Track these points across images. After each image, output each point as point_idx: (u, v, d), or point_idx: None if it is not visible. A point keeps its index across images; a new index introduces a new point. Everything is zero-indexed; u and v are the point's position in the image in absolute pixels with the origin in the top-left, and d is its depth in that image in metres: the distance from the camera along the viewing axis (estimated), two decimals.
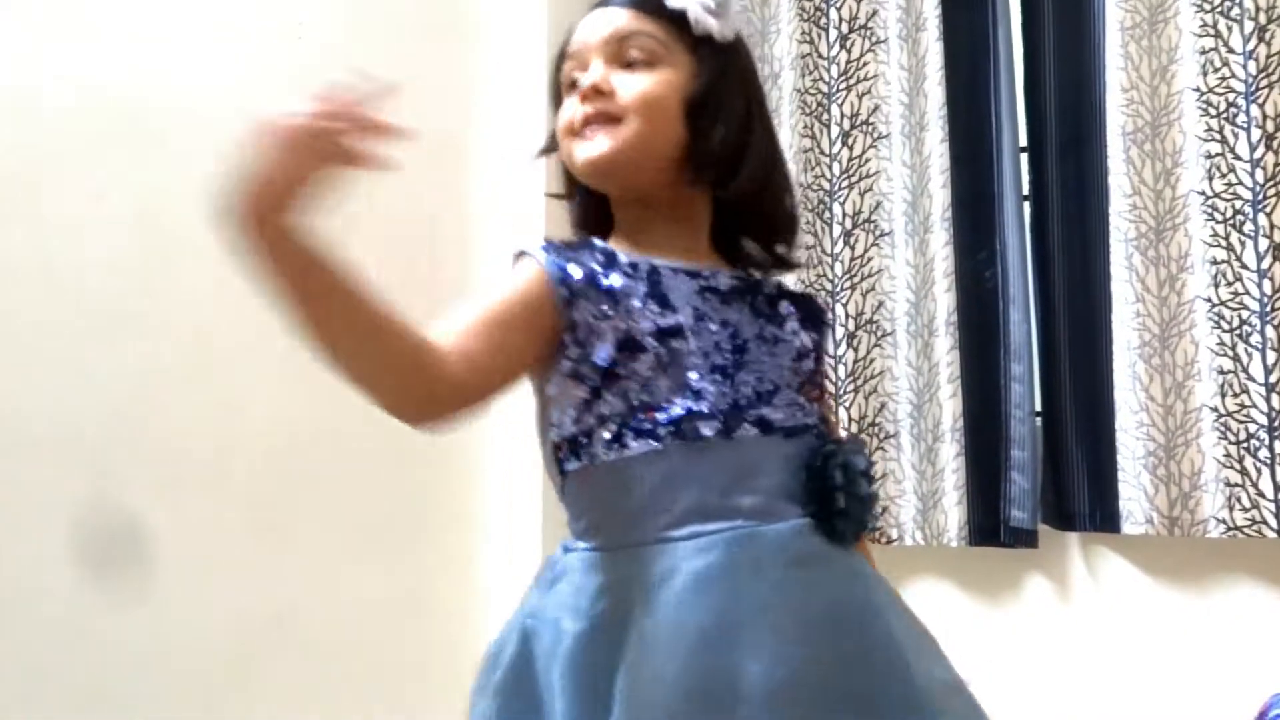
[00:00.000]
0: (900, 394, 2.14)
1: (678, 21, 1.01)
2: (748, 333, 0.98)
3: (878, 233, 2.20)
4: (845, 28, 2.26)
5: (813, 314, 1.06)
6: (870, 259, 2.19)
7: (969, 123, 2.16)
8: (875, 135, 2.22)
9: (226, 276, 1.60)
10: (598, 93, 0.98)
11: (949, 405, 2.07)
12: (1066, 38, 2.10)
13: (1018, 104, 2.17)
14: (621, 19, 1.01)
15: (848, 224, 2.20)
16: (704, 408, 0.92)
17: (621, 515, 0.92)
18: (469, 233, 2.15)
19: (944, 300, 2.09)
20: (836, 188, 2.22)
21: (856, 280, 2.19)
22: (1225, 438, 1.87)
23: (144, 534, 1.46)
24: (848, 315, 2.18)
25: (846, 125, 2.23)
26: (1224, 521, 1.85)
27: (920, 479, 2.10)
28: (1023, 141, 2.16)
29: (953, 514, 2.04)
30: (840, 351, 2.18)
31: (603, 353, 0.92)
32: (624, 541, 0.91)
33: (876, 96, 2.23)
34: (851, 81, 2.24)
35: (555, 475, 0.99)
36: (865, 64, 2.24)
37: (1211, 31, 1.94)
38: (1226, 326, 1.89)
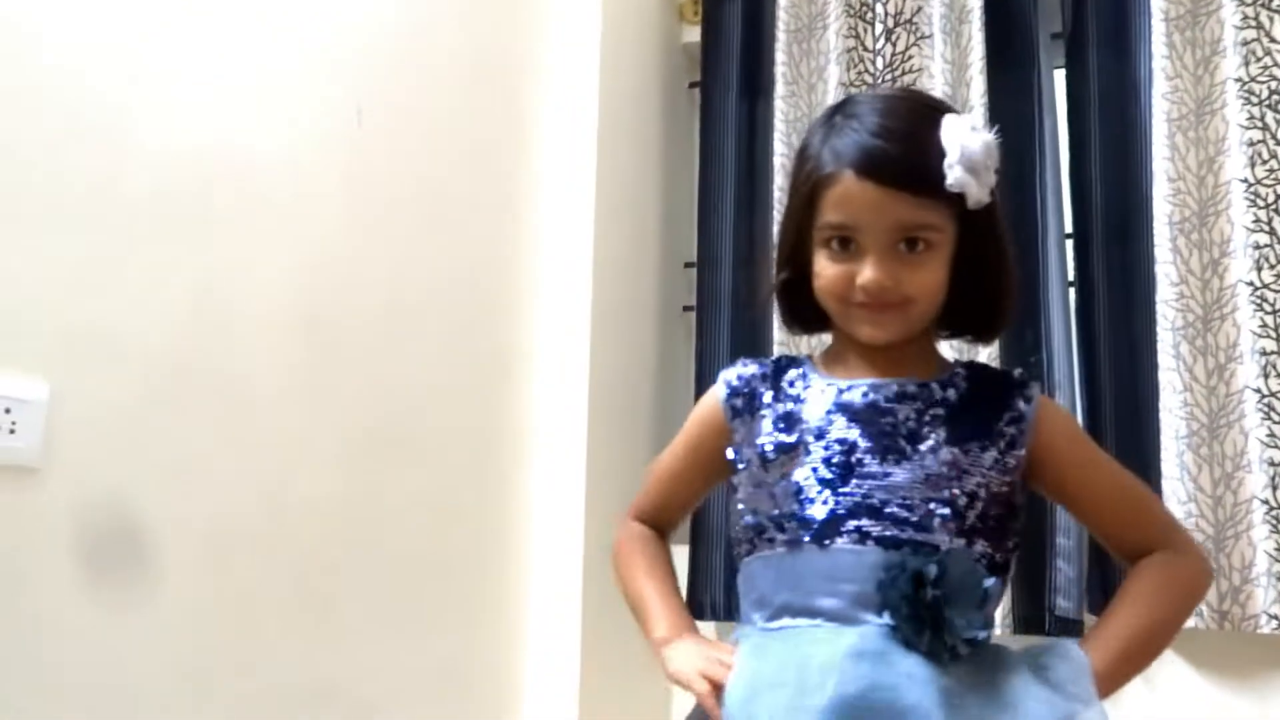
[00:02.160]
0: None
1: (949, 194, 1.02)
2: (866, 449, 1.04)
3: None
4: None
5: (992, 408, 1.07)
6: None
7: (1015, 209, 2.16)
8: None
9: (281, 353, 1.65)
10: (883, 289, 1.02)
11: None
12: (1112, 127, 2.12)
13: (1063, 191, 2.18)
14: (907, 211, 1.01)
15: None
16: (806, 517, 1.03)
17: (746, 608, 1.09)
18: (513, 304, 2.18)
19: None
20: None
21: None
22: (1277, 531, 1.84)
23: (192, 601, 1.48)
24: None
25: None
26: (1276, 617, 1.81)
27: None
28: (1068, 229, 2.17)
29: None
30: None
31: (740, 464, 1.11)
32: (747, 627, 1.08)
33: None
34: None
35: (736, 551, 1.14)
36: None
37: (1259, 124, 1.95)
38: (1277, 417, 1.87)
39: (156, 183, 1.48)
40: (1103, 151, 2.13)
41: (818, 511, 1.02)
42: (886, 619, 0.97)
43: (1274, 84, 1.96)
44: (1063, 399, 2.07)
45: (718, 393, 1.15)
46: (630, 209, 2.37)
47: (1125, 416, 2.03)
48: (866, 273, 1.01)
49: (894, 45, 2.30)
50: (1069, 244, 2.16)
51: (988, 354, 2.08)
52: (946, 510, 1.01)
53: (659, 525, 1.24)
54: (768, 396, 1.10)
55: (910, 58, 2.29)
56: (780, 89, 2.36)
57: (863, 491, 1.02)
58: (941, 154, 1.01)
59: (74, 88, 1.39)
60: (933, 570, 0.96)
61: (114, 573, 1.39)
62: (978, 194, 1.02)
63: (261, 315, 1.63)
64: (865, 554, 1.00)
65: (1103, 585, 2.01)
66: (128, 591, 1.41)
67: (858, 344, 1.09)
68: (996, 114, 2.18)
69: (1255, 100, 1.96)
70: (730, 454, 1.12)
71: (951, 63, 2.23)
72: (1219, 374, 1.95)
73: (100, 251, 1.41)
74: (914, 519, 1.01)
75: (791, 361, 1.14)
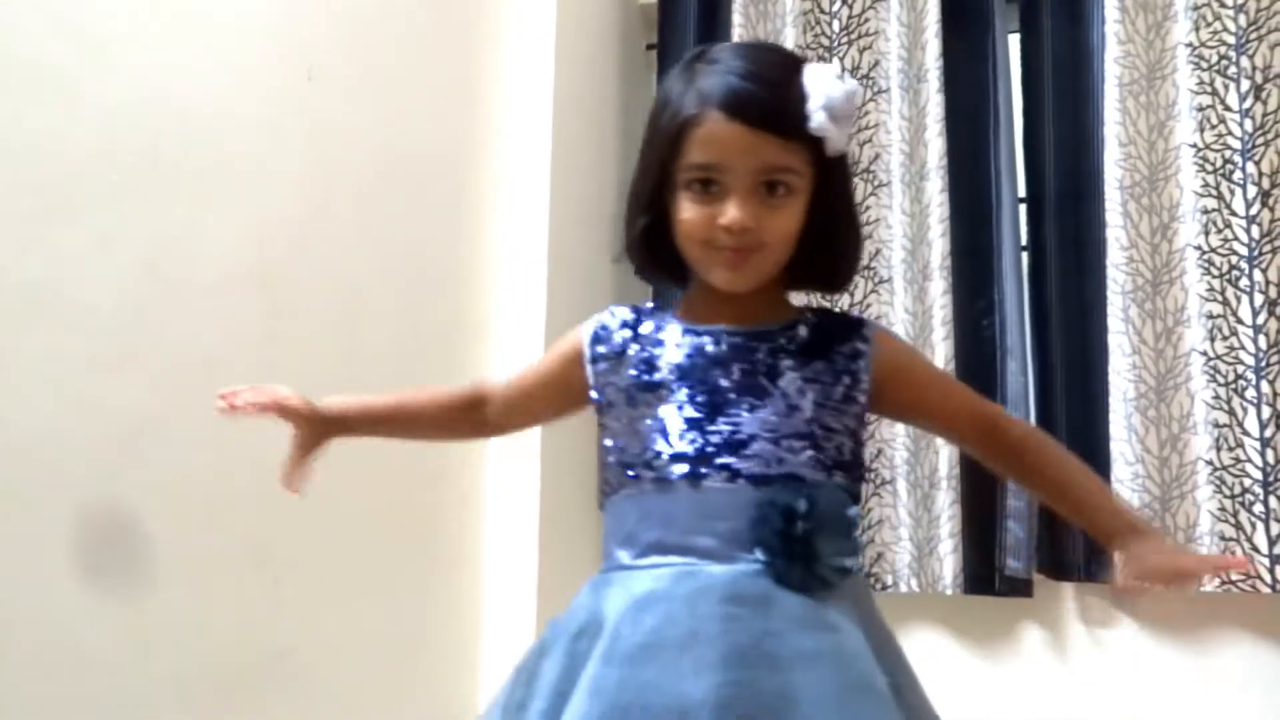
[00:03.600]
0: (897, 440, 2.15)
1: (811, 141, 1.04)
2: (729, 389, 1.06)
3: (877, 280, 2.21)
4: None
5: (836, 348, 1.10)
6: (869, 305, 2.21)
7: (969, 174, 2.18)
8: (876, 183, 2.25)
9: (234, 314, 1.63)
10: (745, 230, 1.03)
11: (945, 453, 2.08)
12: (1065, 92, 2.14)
13: (1017, 157, 2.19)
14: (771, 153, 1.03)
15: None
16: (676, 455, 1.04)
17: (612, 545, 1.08)
18: (470, 268, 2.17)
19: (941, 348, 2.10)
20: None
21: None
22: (1220, 491, 1.88)
23: (145, 566, 1.47)
24: None
25: None
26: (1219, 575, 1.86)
27: (916, 526, 2.11)
28: (1022, 193, 2.19)
29: (948, 562, 2.05)
30: None
31: (604, 404, 1.12)
32: (609, 566, 1.08)
33: (877, 145, 2.26)
34: (853, 130, 2.27)
35: (601, 488, 1.14)
36: (867, 113, 2.27)
37: (1209, 89, 1.97)
38: (1222, 380, 1.90)
39: (101, 141, 1.44)
40: (1056, 116, 2.14)
41: (685, 449, 1.04)
42: (759, 555, 0.99)
43: (1223, 49, 1.98)
44: (1014, 362, 2.09)
45: (582, 334, 1.16)
46: (586, 171, 2.35)
47: (1075, 379, 2.06)
48: (730, 212, 1.02)
49: (850, 8, 2.30)
50: (1023, 209, 2.18)
51: (943, 314, 2.10)
52: (808, 445, 1.04)
53: (489, 400, 1.23)
54: (632, 344, 1.12)
55: (866, 20, 2.29)
56: None
57: (729, 429, 1.04)
58: (804, 99, 1.02)
59: (10, 44, 1.35)
60: (803, 505, 0.99)
61: (61, 538, 1.37)
62: (838, 140, 1.04)
63: (214, 276, 1.60)
64: (737, 492, 1.01)
65: (1052, 546, 2.04)
66: (76, 556, 1.39)
67: (714, 292, 1.09)
68: (952, 79, 2.20)
69: (1205, 65, 1.98)
70: (594, 395, 1.13)
71: (908, 26, 2.23)
72: (1167, 337, 1.98)
73: (42, 211, 1.37)
74: (779, 455, 1.03)
75: (653, 310, 1.15)
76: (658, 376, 1.08)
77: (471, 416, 1.23)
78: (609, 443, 1.11)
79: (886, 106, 2.26)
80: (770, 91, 1.03)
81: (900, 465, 2.14)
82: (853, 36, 2.29)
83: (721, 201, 1.03)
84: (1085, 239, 2.07)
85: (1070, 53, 2.14)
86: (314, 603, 1.74)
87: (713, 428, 1.04)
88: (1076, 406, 2.05)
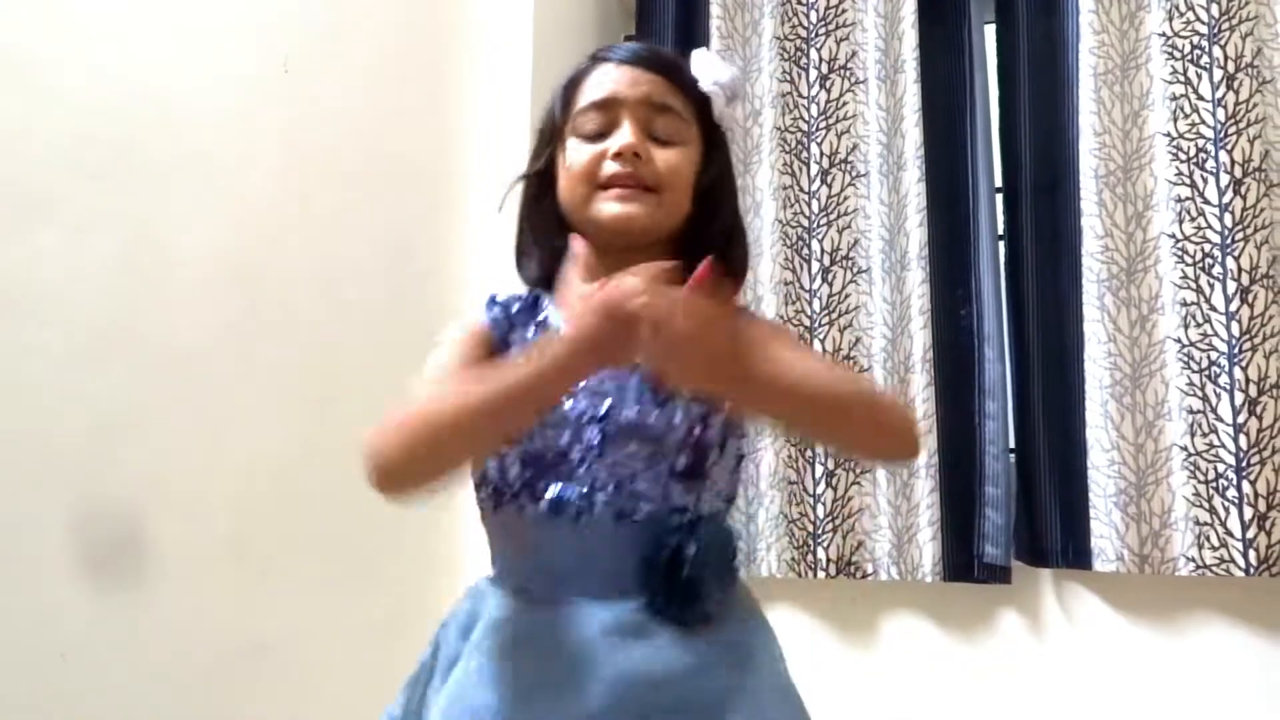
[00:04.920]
0: None
1: (698, 102, 1.06)
2: (620, 412, 0.98)
3: (855, 270, 2.22)
4: (825, 68, 2.30)
5: None
6: (848, 295, 2.22)
7: (946, 163, 2.20)
8: (853, 174, 2.26)
9: (212, 306, 1.62)
10: (636, 157, 1.01)
11: (924, 441, 2.09)
12: (1041, 83, 2.15)
13: (993, 146, 2.21)
14: (658, 88, 1.04)
15: (826, 260, 2.23)
16: (567, 483, 0.98)
17: (496, 560, 1.05)
18: (448, 261, 2.17)
19: (920, 337, 2.11)
20: (815, 225, 2.25)
21: (834, 316, 2.21)
22: (1195, 477, 1.89)
23: (125, 560, 1.46)
24: (826, 351, 2.20)
25: (825, 164, 2.27)
26: (1193, 560, 1.88)
27: (895, 515, 2.12)
28: (998, 183, 2.20)
29: (927, 550, 2.06)
30: None
31: None
32: (492, 581, 1.04)
33: (855, 136, 2.27)
34: (831, 121, 2.28)
35: (478, 505, 1.07)
36: (844, 104, 2.28)
37: (1182, 79, 1.99)
38: (1196, 367, 1.92)
39: (77, 132, 1.44)
40: (1032, 106, 2.16)
41: (565, 483, 0.98)
42: (641, 598, 0.95)
43: (1196, 39, 1.99)
44: (992, 350, 2.11)
45: (479, 315, 1.07)
46: None
47: (1052, 367, 2.07)
48: (621, 136, 1.01)
49: None
50: (999, 198, 2.19)
51: (921, 303, 2.11)
52: (691, 469, 0.99)
53: None
54: (524, 330, 1.05)
55: (844, 11, 2.29)
56: (715, 43, 2.35)
57: (609, 464, 0.97)
58: (694, 79, 1.07)
59: None
60: (691, 549, 0.95)
61: (38, 533, 1.37)
62: (723, 106, 1.07)
63: (191, 269, 1.60)
64: (621, 531, 0.96)
65: (1030, 533, 2.06)
66: (54, 551, 1.38)
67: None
68: (928, 68, 2.21)
69: (1178, 55, 2.00)
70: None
71: (884, 16, 2.24)
72: (1142, 325, 1.99)
73: (17, 204, 1.36)
74: (660, 487, 0.98)
75: (534, 297, 1.08)
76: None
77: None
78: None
79: (864, 97, 2.27)
80: (662, 53, 1.09)
81: None
82: (830, 27, 2.30)
83: (613, 135, 1.03)
84: (1061, 228, 2.09)
85: (1045, 43, 2.16)
86: (295, 596, 1.74)
87: (592, 465, 0.97)
88: (1053, 394, 2.06)
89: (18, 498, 1.34)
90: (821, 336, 2.21)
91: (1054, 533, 2.03)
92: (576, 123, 1.05)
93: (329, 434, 1.81)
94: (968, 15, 2.23)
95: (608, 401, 0.98)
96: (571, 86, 1.07)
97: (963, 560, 2.07)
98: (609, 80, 1.05)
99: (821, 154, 2.27)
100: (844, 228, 2.24)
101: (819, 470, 2.17)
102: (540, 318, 1.06)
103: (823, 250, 2.24)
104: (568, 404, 0.98)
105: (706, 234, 1.06)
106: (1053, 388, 2.06)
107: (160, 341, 1.54)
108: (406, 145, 2.08)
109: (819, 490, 2.16)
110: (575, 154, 1.04)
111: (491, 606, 1.00)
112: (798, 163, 2.29)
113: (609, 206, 1.02)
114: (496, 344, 1.04)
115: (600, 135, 1.03)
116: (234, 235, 1.67)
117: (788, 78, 2.32)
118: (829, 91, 2.29)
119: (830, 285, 2.22)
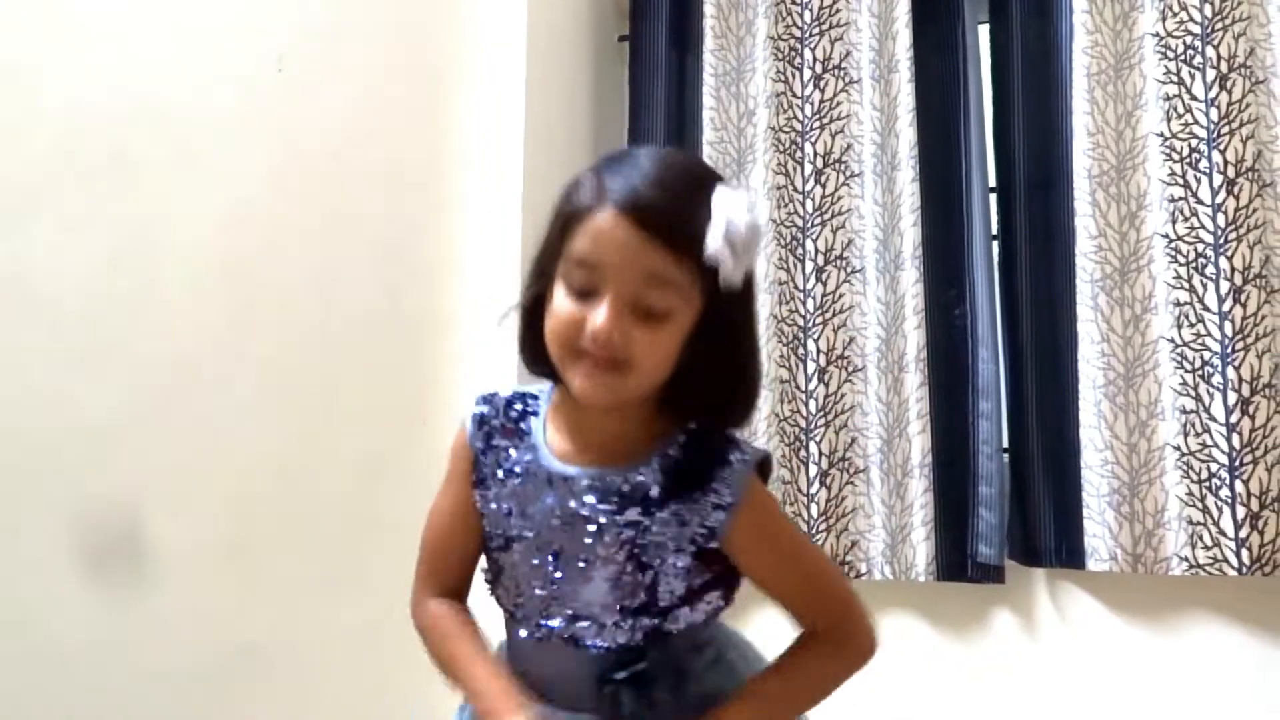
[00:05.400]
0: (870, 429, 2.17)
1: (704, 266, 0.97)
2: (570, 555, 1.06)
3: (849, 269, 2.23)
4: (819, 68, 2.30)
5: (698, 489, 1.04)
6: (842, 295, 2.22)
7: (940, 163, 2.20)
8: (847, 174, 2.26)
9: (203, 306, 1.62)
10: (610, 344, 0.97)
11: (918, 441, 2.09)
12: (1035, 82, 2.15)
13: (987, 146, 2.21)
14: (653, 259, 0.96)
15: (820, 260, 2.23)
16: (525, 614, 1.09)
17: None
18: (442, 262, 2.16)
19: (914, 337, 2.11)
20: (809, 224, 2.26)
21: (828, 316, 2.22)
22: (1188, 476, 1.90)
23: (116, 561, 1.46)
24: (819, 351, 2.20)
25: (819, 163, 2.27)
26: (1186, 559, 1.88)
27: (889, 514, 2.12)
28: (992, 183, 2.20)
29: (921, 549, 2.06)
30: (812, 386, 2.20)
31: (481, 509, 1.13)
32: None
33: (849, 136, 2.27)
34: (825, 121, 2.28)
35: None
36: (838, 104, 2.28)
37: (1175, 79, 1.99)
38: (1189, 367, 1.92)
39: (68, 131, 1.43)
40: (1025, 106, 2.16)
41: (534, 615, 1.08)
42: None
43: (1189, 39, 1.99)
44: (985, 351, 2.11)
45: (465, 425, 1.14)
46: (559, 163, 2.35)
47: (1045, 366, 2.07)
48: (598, 319, 0.96)
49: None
50: (993, 198, 2.19)
51: (915, 303, 2.11)
52: (646, 609, 1.05)
53: (455, 592, 1.19)
54: (506, 449, 1.11)
55: (838, 11, 2.29)
56: (710, 43, 2.35)
57: (565, 594, 1.06)
58: (707, 219, 0.96)
59: None
60: (642, 685, 1.04)
61: (30, 535, 1.36)
62: (731, 273, 0.97)
63: (183, 269, 1.59)
64: (577, 656, 1.06)
65: (1024, 533, 2.06)
66: (46, 552, 1.38)
67: (573, 414, 1.08)
68: (922, 68, 2.21)
69: (1171, 55, 2.00)
70: (476, 498, 1.12)
71: (878, 17, 2.24)
72: (1135, 324, 2.00)
73: (8, 205, 1.36)
74: (618, 624, 1.05)
75: (526, 407, 1.13)
76: (513, 518, 1.09)
77: (466, 610, 1.18)
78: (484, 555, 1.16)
79: (858, 97, 2.27)
80: (672, 201, 0.97)
81: (874, 454, 2.16)
82: (824, 27, 2.30)
83: (596, 306, 0.97)
84: (1054, 228, 2.09)
85: (1039, 43, 2.16)
86: (289, 597, 1.73)
87: (555, 590, 1.06)
88: (1047, 394, 2.06)
89: (9, 498, 1.34)
90: (815, 336, 2.21)
91: (1048, 532, 2.04)
92: (566, 268, 1.00)
93: (324, 435, 1.82)
94: (961, 15, 2.23)
95: (557, 545, 1.07)
96: (570, 219, 1.00)
97: (956, 560, 2.08)
98: (604, 240, 0.97)
99: (815, 154, 2.27)
100: (838, 227, 2.24)
101: (813, 470, 2.17)
102: (524, 435, 1.11)
103: (817, 250, 2.24)
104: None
105: (692, 395, 1.04)
106: (1046, 387, 2.07)
107: (153, 342, 1.53)
108: (401, 146, 2.08)
109: (813, 490, 2.16)
110: (559, 306, 1.00)
111: None
112: (792, 162, 2.29)
113: (578, 379, 1.00)
114: (476, 455, 1.12)
115: (586, 294, 0.98)
116: (227, 236, 1.67)
117: (782, 77, 2.32)
118: (823, 91, 2.29)
119: (824, 285, 2.22)
